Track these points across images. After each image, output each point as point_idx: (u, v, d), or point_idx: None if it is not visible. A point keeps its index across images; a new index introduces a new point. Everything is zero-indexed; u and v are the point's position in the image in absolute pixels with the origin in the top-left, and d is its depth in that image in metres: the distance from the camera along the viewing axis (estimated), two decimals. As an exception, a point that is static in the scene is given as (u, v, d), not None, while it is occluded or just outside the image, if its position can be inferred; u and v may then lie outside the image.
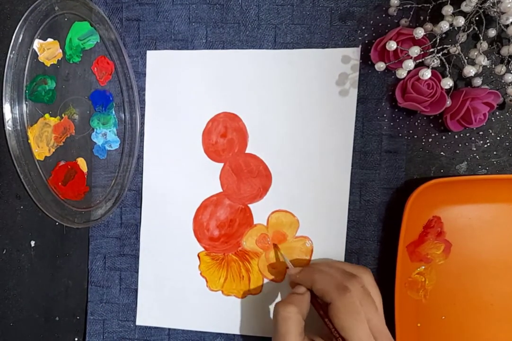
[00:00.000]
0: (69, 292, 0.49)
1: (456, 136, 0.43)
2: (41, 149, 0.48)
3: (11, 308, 0.50)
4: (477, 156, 0.43)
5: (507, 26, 0.37)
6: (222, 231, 0.46)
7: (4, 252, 0.49)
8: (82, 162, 0.47)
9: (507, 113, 0.42)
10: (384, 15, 0.43)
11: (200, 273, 0.46)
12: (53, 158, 0.48)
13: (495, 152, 0.43)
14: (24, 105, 0.48)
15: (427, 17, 0.41)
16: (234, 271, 0.46)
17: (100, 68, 0.46)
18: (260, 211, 0.45)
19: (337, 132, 0.44)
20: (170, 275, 0.47)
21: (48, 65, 0.47)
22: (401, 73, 0.39)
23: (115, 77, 0.46)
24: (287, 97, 0.44)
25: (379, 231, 0.44)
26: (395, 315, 0.41)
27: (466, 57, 0.39)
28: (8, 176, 0.49)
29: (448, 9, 0.38)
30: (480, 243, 0.42)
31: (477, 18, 0.39)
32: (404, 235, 0.41)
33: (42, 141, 0.48)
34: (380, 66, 0.40)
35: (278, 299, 0.45)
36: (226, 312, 0.46)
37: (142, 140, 0.46)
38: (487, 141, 0.43)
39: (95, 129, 0.47)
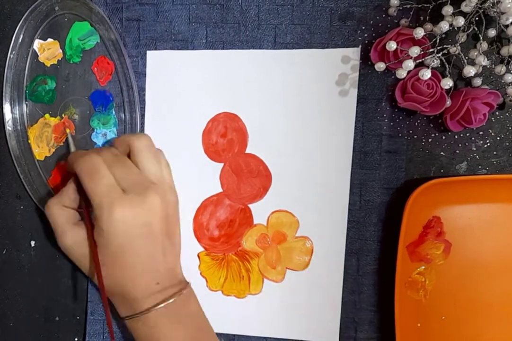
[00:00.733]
0: (69, 292, 0.49)
1: (456, 136, 0.43)
2: (41, 149, 0.48)
3: (11, 308, 0.50)
4: (477, 156, 0.43)
5: (507, 26, 0.37)
6: (222, 231, 0.46)
7: (4, 252, 0.49)
8: (82, 163, 0.47)
9: (507, 113, 0.42)
10: (384, 15, 0.43)
11: (200, 273, 0.46)
12: (53, 158, 0.48)
13: (495, 152, 0.43)
14: (24, 105, 0.48)
15: (427, 17, 0.41)
16: (234, 271, 0.46)
17: (100, 68, 0.46)
18: (260, 211, 0.45)
19: (337, 132, 0.44)
20: (170, 275, 0.47)
21: (48, 65, 0.47)
22: (401, 73, 0.39)
23: (115, 77, 0.46)
24: (287, 97, 0.44)
25: (379, 231, 0.44)
26: (395, 315, 0.41)
27: (466, 57, 0.39)
28: (8, 176, 0.49)
29: (448, 9, 0.38)
30: (480, 243, 0.42)
31: (477, 18, 0.39)
32: (404, 235, 0.41)
33: (42, 141, 0.48)
34: (380, 66, 0.40)
35: (278, 299, 0.45)
36: (226, 312, 0.46)
37: (142, 140, 0.46)
38: (487, 141, 0.43)
39: (95, 130, 0.47)
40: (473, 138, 0.43)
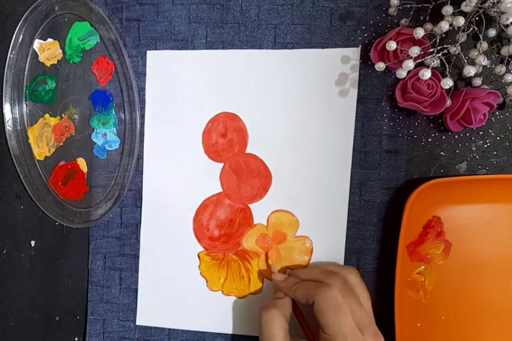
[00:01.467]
0: (69, 292, 0.49)
1: (456, 136, 0.43)
2: (41, 149, 0.48)
3: (11, 308, 0.50)
4: (477, 156, 0.43)
5: (507, 26, 0.37)
6: (222, 231, 0.46)
7: (4, 252, 0.49)
8: (82, 162, 0.47)
9: (507, 113, 0.42)
10: (384, 15, 0.43)
11: (200, 273, 0.46)
12: (53, 158, 0.48)
13: (495, 152, 0.43)
14: (24, 105, 0.48)
15: (427, 17, 0.41)
16: (234, 271, 0.46)
17: (100, 68, 0.46)
18: (260, 211, 0.45)
19: (337, 132, 0.44)
20: (170, 275, 0.47)
21: (48, 65, 0.47)
22: (401, 73, 0.39)
23: (115, 77, 0.46)
24: (287, 97, 0.44)
25: (379, 230, 0.44)
26: (395, 315, 0.41)
27: (466, 57, 0.39)
28: (8, 176, 0.49)
29: (448, 9, 0.38)
30: (480, 243, 0.42)
31: (477, 18, 0.39)
32: (404, 235, 0.41)
33: (42, 141, 0.48)
34: (380, 66, 0.40)
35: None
36: (226, 312, 0.46)
37: (142, 140, 0.46)
38: (487, 141, 0.43)
39: (95, 129, 0.47)
40: (473, 138, 0.43)
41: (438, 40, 0.39)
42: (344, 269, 0.41)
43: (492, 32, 0.39)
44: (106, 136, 0.47)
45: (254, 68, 0.45)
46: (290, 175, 0.45)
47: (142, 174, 0.47)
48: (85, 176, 0.47)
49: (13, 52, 0.47)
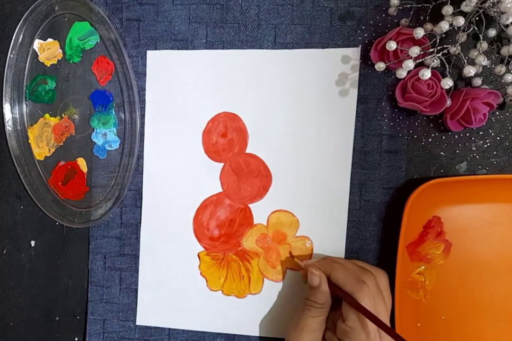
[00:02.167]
0: (69, 292, 0.49)
1: (456, 136, 0.43)
2: (41, 149, 0.48)
3: (11, 308, 0.50)
4: (477, 156, 0.43)
5: (507, 26, 0.37)
6: (222, 231, 0.46)
7: (4, 252, 0.49)
8: (82, 162, 0.47)
9: (507, 113, 0.42)
10: (384, 15, 0.43)
11: (200, 273, 0.46)
12: (53, 158, 0.48)
13: (495, 152, 0.43)
14: (24, 105, 0.48)
15: (427, 17, 0.41)
16: (234, 270, 0.46)
17: (100, 68, 0.46)
18: (260, 211, 0.45)
19: (337, 132, 0.44)
20: (170, 275, 0.47)
21: (48, 65, 0.47)
22: (401, 73, 0.39)
23: (115, 77, 0.46)
24: (287, 97, 0.44)
25: (379, 230, 0.44)
26: (395, 315, 0.41)
27: (466, 57, 0.39)
28: (8, 176, 0.49)
29: (448, 9, 0.38)
30: (480, 243, 0.42)
31: (477, 18, 0.39)
32: (404, 234, 0.41)
33: (42, 141, 0.48)
34: (380, 66, 0.40)
35: (278, 299, 0.45)
36: (226, 312, 0.46)
37: (142, 140, 0.46)
38: (487, 141, 0.43)
39: (95, 129, 0.47)
40: (473, 138, 0.43)
41: (438, 40, 0.39)
42: (377, 270, 0.41)
43: (492, 32, 0.39)
44: (106, 136, 0.47)
45: (254, 68, 0.45)
46: (290, 175, 0.45)
47: (142, 174, 0.47)
48: (85, 176, 0.47)
49: (13, 52, 0.47)
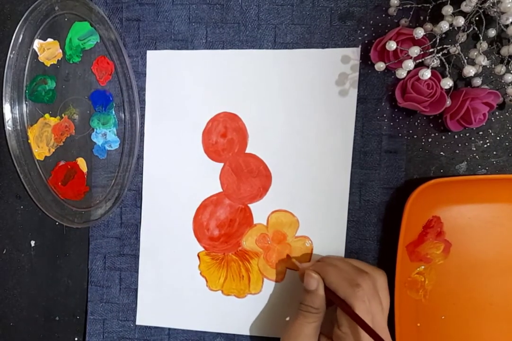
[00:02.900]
0: (69, 292, 0.49)
1: (456, 136, 0.43)
2: (41, 149, 0.48)
3: (11, 308, 0.50)
4: (477, 156, 0.43)
5: (507, 26, 0.37)
6: (222, 231, 0.46)
7: (4, 252, 0.49)
8: (82, 162, 0.47)
9: (507, 113, 0.42)
10: (384, 15, 0.43)
11: (200, 273, 0.46)
12: (53, 158, 0.48)
13: (494, 152, 0.43)
14: (24, 105, 0.48)
15: (427, 17, 0.41)
16: (234, 270, 0.46)
17: (100, 68, 0.46)
18: (260, 211, 0.45)
19: (337, 132, 0.44)
20: (170, 275, 0.47)
21: (48, 65, 0.47)
22: (401, 73, 0.39)
23: (115, 77, 0.46)
24: (287, 97, 0.44)
25: (379, 230, 0.44)
26: (395, 315, 0.41)
27: (466, 57, 0.39)
28: (8, 176, 0.49)
29: (448, 9, 0.38)
30: (480, 243, 0.42)
31: (477, 18, 0.39)
32: (403, 235, 0.41)
33: (42, 141, 0.48)
34: (380, 66, 0.40)
35: (278, 299, 0.45)
36: (226, 312, 0.46)
37: (142, 140, 0.46)
38: (487, 141, 0.43)
39: (95, 129, 0.47)
40: (473, 138, 0.43)
41: (438, 40, 0.39)
42: (374, 270, 0.41)
43: (492, 32, 0.39)
44: (106, 136, 0.47)
45: (254, 68, 0.45)
46: (290, 175, 0.45)
47: (142, 174, 0.47)
48: (85, 176, 0.47)
49: (13, 52, 0.47)
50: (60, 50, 0.47)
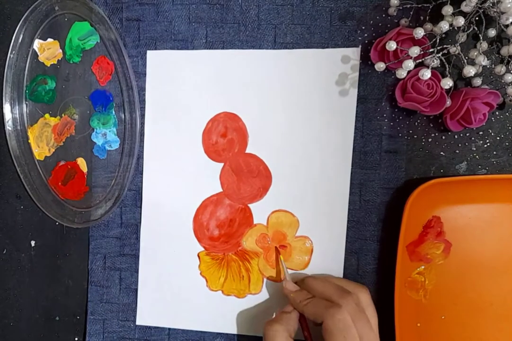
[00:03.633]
0: (69, 292, 0.49)
1: (456, 136, 0.43)
2: (41, 149, 0.48)
3: (11, 308, 0.50)
4: (477, 156, 0.43)
5: (507, 26, 0.37)
6: (222, 231, 0.46)
7: (4, 252, 0.49)
8: (82, 162, 0.47)
9: (507, 113, 0.42)
10: (384, 15, 0.43)
11: (200, 273, 0.46)
12: (53, 158, 0.48)
13: (495, 152, 0.43)
14: (24, 105, 0.48)
15: (427, 17, 0.41)
16: (234, 271, 0.46)
17: (100, 68, 0.46)
18: (260, 211, 0.45)
19: (337, 132, 0.44)
20: (170, 274, 0.47)
21: (48, 65, 0.47)
22: (401, 73, 0.39)
23: (115, 77, 0.46)
24: (287, 97, 0.44)
25: (379, 230, 0.44)
26: (395, 315, 0.41)
27: (466, 57, 0.39)
28: (8, 176, 0.49)
29: (448, 9, 0.38)
30: (480, 242, 0.42)
31: (477, 18, 0.39)
32: (404, 234, 0.41)
33: (42, 141, 0.48)
34: (380, 66, 0.40)
35: (278, 299, 0.45)
36: (226, 312, 0.46)
37: (142, 140, 0.46)
38: (487, 141, 0.43)
39: (95, 129, 0.47)
40: (473, 138, 0.43)
41: (438, 40, 0.39)
42: (356, 287, 0.40)
43: (492, 32, 0.39)
44: (106, 136, 0.47)
45: (254, 68, 0.45)
46: (290, 175, 0.45)
47: (142, 174, 0.47)
48: (85, 176, 0.47)
49: (13, 52, 0.47)
50: (60, 50, 0.47)
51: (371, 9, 0.43)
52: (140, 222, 0.47)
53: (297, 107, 0.44)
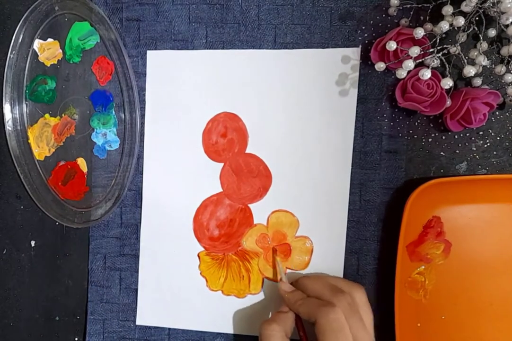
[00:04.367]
0: (69, 292, 0.49)
1: (456, 136, 0.43)
2: (41, 149, 0.48)
3: (11, 308, 0.50)
4: (477, 156, 0.43)
5: (507, 26, 0.37)
6: (222, 231, 0.46)
7: (4, 252, 0.49)
8: (82, 162, 0.47)
9: (507, 113, 0.42)
10: (384, 15, 0.43)
11: (200, 273, 0.46)
12: (53, 158, 0.48)
13: (495, 152, 0.43)
14: (24, 105, 0.48)
15: (427, 17, 0.41)
16: (234, 271, 0.46)
17: (100, 68, 0.46)
18: (260, 211, 0.45)
19: (337, 132, 0.44)
20: (170, 275, 0.47)
21: (48, 65, 0.47)
22: (401, 73, 0.39)
23: (115, 77, 0.46)
24: (287, 97, 0.44)
25: (379, 230, 0.44)
26: (395, 315, 0.41)
27: (466, 57, 0.39)
28: (8, 176, 0.49)
29: (448, 9, 0.38)
30: (480, 242, 0.43)
31: (477, 18, 0.39)
32: (404, 235, 0.41)
33: (42, 141, 0.48)
34: (380, 66, 0.40)
35: (278, 299, 0.45)
36: (226, 312, 0.46)
37: (142, 140, 0.46)
38: (487, 141, 0.43)
39: (95, 129, 0.47)
40: (473, 138, 0.43)
41: (438, 40, 0.39)
42: (351, 286, 0.40)
43: (492, 32, 0.39)
44: (106, 136, 0.47)
45: (254, 68, 0.45)
46: (290, 175, 0.45)
47: (142, 174, 0.47)
48: (85, 176, 0.47)
49: (13, 52, 0.47)
50: (60, 50, 0.47)
51: (371, 9, 0.43)
52: (140, 222, 0.47)
53: (297, 107, 0.44)
